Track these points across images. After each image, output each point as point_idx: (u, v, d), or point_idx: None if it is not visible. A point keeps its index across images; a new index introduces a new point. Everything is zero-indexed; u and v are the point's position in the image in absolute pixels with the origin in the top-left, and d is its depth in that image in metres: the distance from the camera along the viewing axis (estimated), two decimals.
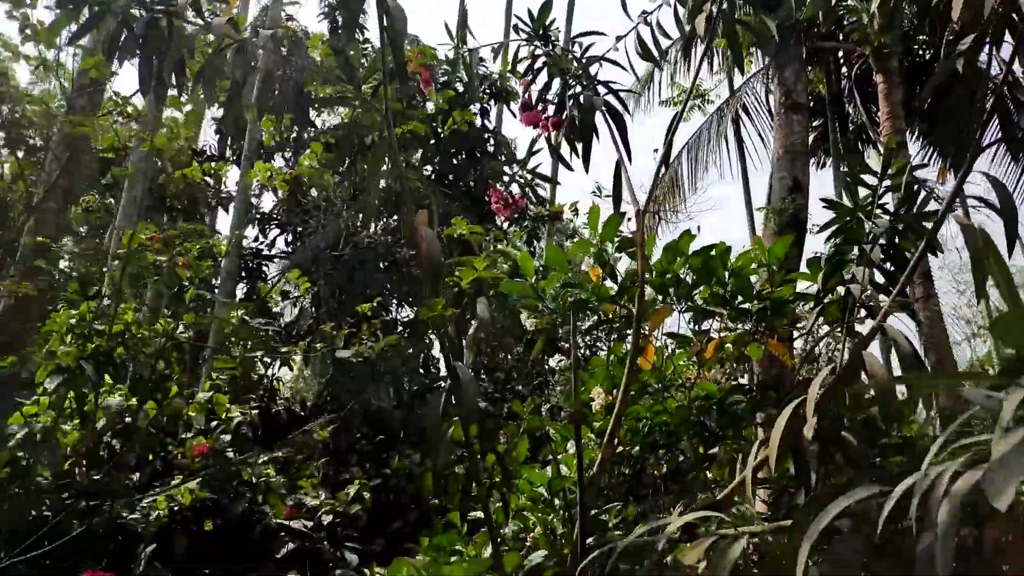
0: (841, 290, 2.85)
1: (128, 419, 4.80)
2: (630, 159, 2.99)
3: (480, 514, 2.80)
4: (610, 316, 3.23)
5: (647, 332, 3.14)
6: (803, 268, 3.13)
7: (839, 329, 2.77)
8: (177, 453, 4.85)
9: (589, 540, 2.22)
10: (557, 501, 2.61)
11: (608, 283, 3.16)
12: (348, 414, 7.40)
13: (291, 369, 11.73)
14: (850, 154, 12.78)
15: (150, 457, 4.83)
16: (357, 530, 5.66)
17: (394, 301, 10.24)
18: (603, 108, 2.86)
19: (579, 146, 3.14)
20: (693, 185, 16.54)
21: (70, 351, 4.68)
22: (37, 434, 3.96)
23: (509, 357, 8.98)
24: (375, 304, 3.57)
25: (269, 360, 11.30)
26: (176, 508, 4.11)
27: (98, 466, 4.59)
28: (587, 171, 3.08)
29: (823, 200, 3.10)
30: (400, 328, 10.63)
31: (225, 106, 2.83)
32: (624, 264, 3.41)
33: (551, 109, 3.20)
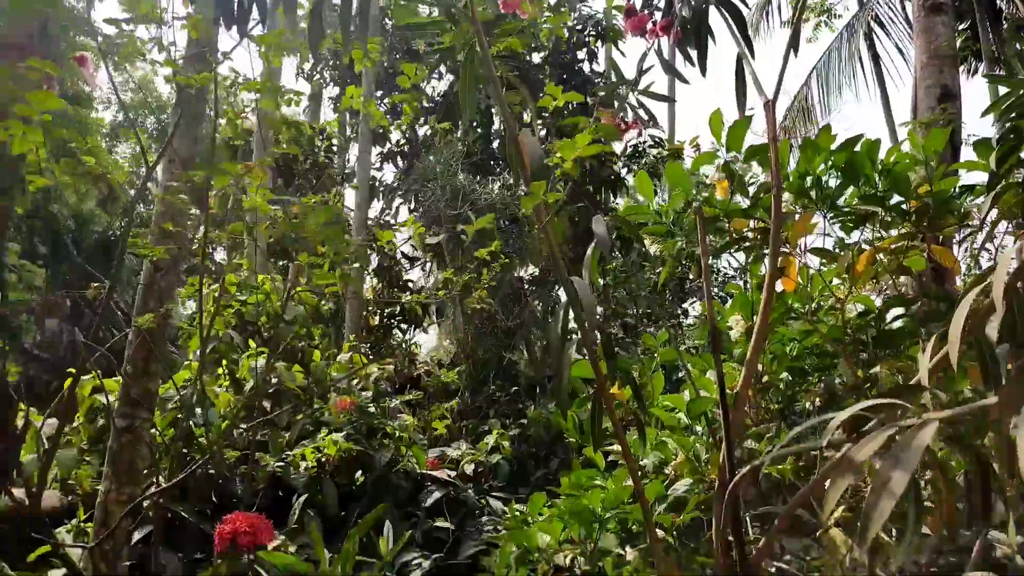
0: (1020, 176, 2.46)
1: (276, 381, 5.07)
2: (752, 55, 2.69)
3: (618, 448, 2.67)
4: (743, 234, 2.97)
5: (787, 247, 2.86)
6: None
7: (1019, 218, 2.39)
8: (323, 411, 5.06)
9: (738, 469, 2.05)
10: (699, 428, 2.44)
11: (738, 198, 2.90)
12: (483, 368, 7.49)
13: (425, 332, 12.08)
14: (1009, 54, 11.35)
15: (298, 417, 5.07)
16: (499, 479, 5.73)
17: (516, 259, 10.23)
18: (716, 1, 2.58)
19: (693, 53, 2.87)
20: (825, 110, 15.31)
21: (218, 321, 5.00)
22: (193, 397, 4.23)
23: (636, 303, 8.76)
24: (492, 249, 3.48)
25: (405, 327, 11.70)
26: (324, 460, 4.29)
27: (252, 426, 4.87)
28: (704, 75, 2.81)
29: (986, 76, 2.67)
30: (525, 285, 10.64)
31: (309, 29, 2.79)
32: (753, 176, 3.13)
33: (658, 15, 2.95)
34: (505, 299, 8.79)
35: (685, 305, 8.08)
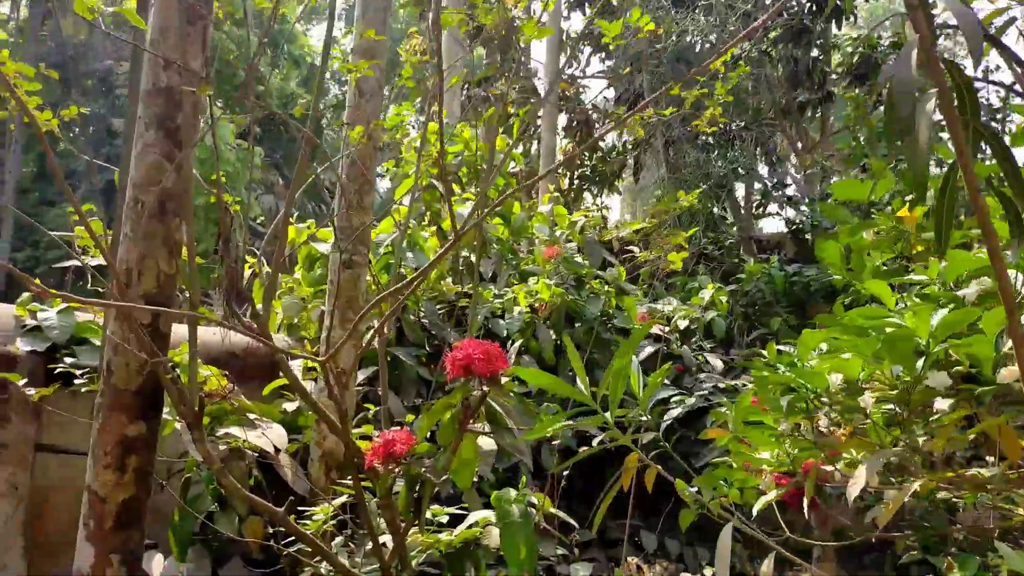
0: None
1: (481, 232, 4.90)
2: None
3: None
4: None
5: None
6: None
7: None
8: (529, 260, 4.84)
9: None
10: None
11: None
12: (691, 220, 6.92)
13: (619, 193, 11.56)
14: None
15: (504, 266, 4.90)
16: (716, 336, 5.30)
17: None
18: None
19: None
20: None
21: (424, 166, 4.86)
22: (403, 242, 4.15)
23: None
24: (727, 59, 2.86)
25: (596, 190, 11.25)
26: (537, 307, 4.08)
27: (460, 279, 4.78)
28: None
29: None
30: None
31: None
32: None
33: None
34: (715, 142, 7.99)
35: None
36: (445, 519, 2.72)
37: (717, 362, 4.98)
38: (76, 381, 2.62)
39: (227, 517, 2.80)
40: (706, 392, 4.22)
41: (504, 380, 2.23)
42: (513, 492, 2.55)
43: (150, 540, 2.97)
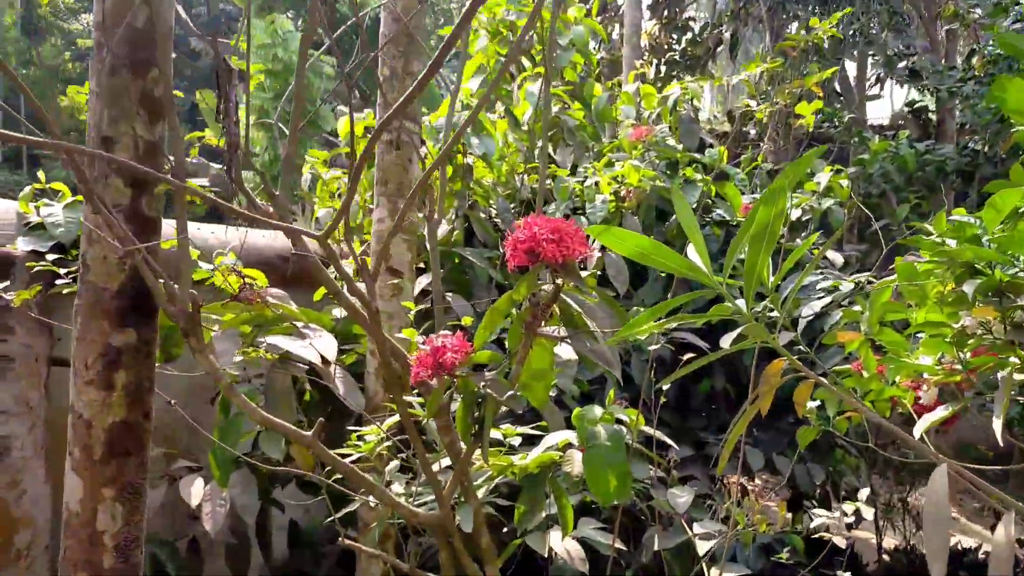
0: None
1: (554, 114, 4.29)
2: None
3: None
4: None
5: None
6: None
7: None
8: (613, 146, 4.22)
9: None
10: None
11: None
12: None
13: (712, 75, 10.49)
14: None
15: (585, 154, 4.29)
16: (834, 226, 4.57)
17: None
18: None
19: None
20: None
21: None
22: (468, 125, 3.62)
23: None
24: None
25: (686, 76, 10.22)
26: (624, 195, 3.48)
27: (532, 168, 4.23)
28: None
29: None
30: None
31: None
32: None
33: None
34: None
35: None
36: (518, 440, 2.28)
37: (837, 256, 4.27)
38: None
39: (271, 438, 2.45)
40: (827, 288, 3.56)
41: (584, 275, 1.71)
42: (598, 409, 2.06)
43: (195, 463, 2.68)
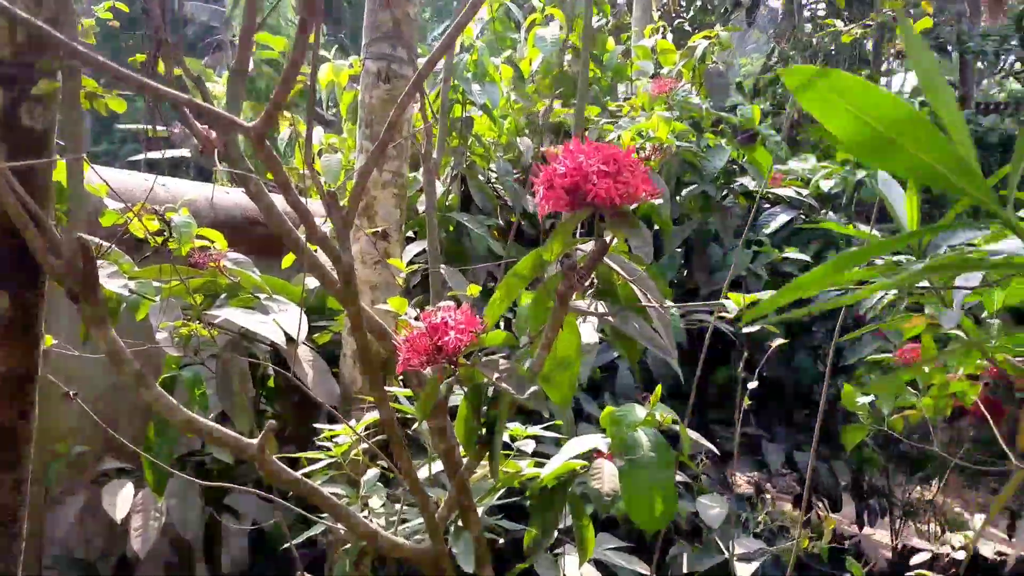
0: None
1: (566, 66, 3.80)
2: None
3: None
4: None
5: None
6: None
7: None
8: (628, 103, 3.74)
9: None
10: None
11: None
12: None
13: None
14: None
15: (596, 111, 3.81)
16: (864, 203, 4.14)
17: None
18: None
19: None
20: None
21: None
22: (466, 70, 3.12)
23: None
24: None
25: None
26: (646, 155, 3.01)
27: (540, 137, 3.76)
28: None
29: None
30: None
31: None
32: None
33: None
34: None
35: None
36: (529, 445, 1.81)
37: (873, 233, 3.83)
38: None
39: None
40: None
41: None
42: (640, 410, 1.59)
43: (128, 466, 2.19)
